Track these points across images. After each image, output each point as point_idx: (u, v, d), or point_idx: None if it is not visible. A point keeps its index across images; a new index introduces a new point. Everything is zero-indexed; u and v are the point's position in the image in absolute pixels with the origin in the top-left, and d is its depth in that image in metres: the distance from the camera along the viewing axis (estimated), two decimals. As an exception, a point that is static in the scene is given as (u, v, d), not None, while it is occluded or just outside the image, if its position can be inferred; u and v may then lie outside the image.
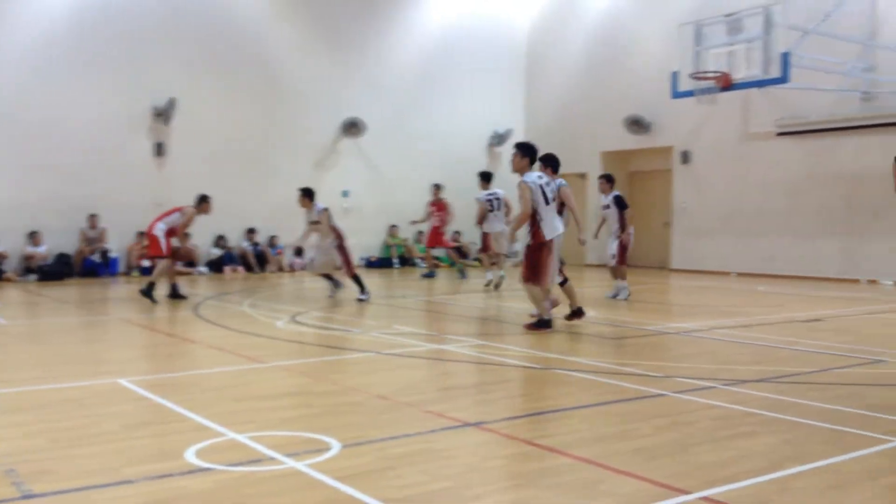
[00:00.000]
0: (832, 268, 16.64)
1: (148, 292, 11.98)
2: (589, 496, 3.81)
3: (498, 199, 14.76)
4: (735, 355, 7.89)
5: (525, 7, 23.38)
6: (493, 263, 14.88)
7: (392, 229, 20.77)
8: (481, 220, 14.69)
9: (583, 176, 21.79)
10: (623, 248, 12.79)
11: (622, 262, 12.82)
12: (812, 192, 17.05)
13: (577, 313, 9.77)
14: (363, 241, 20.59)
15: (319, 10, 20.17)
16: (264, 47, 19.41)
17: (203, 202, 12.76)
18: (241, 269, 18.59)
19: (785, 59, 13.17)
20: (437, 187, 17.55)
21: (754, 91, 16.08)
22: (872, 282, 15.91)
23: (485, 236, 14.97)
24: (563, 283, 9.92)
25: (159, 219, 12.56)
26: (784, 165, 17.52)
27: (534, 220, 8.91)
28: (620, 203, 12.91)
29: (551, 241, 8.94)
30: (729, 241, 18.48)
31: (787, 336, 8.96)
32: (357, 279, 12.84)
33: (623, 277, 12.91)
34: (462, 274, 16.95)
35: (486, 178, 15.12)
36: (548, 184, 9.13)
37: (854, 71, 15.41)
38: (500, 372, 7.01)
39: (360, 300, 12.54)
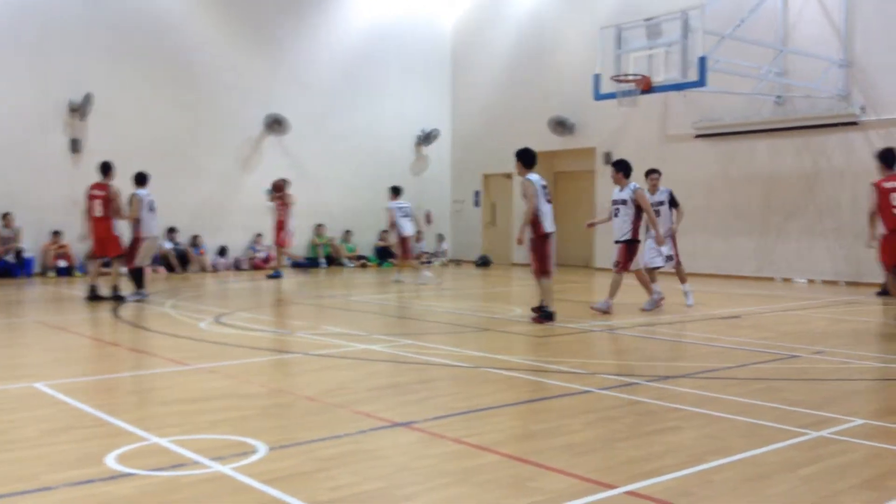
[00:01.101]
0: (748, 266, 17.19)
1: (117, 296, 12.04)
2: (518, 493, 3.85)
3: (408, 207, 16.48)
4: (658, 352, 8.09)
5: (450, 7, 23.47)
6: (423, 264, 15.54)
7: (318, 228, 20.59)
8: (392, 225, 16.30)
9: (508, 176, 21.98)
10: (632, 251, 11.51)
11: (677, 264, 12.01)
12: (728, 193, 17.58)
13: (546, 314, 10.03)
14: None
15: (243, 6, 19.85)
16: (186, 42, 19.00)
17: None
18: (162, 269, 18.16)
19: (702, 63, 13.52)
20: (282, 181, 17.10)
21: (673, 94, 16.48)
22: (787, 280, 16.51)
23: (403, 241, 16.31)
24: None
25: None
26: (702, 166, 18.02)
27: (535, 216, 9.80)
28: (673, 199, 11.95)
29: (552, 233, 9.96)
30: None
31: (707, 332, 9.22)
32: (136, 275, 12.39)
33: (683, 280, 12.12)
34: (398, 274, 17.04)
35: (396, 191, 16.57)
36: (545, 186, 10.12)
37: (767, 75, 15.95)
38: (429, 371, 7.02)
39: (135, 300, 12.04)
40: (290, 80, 20.49)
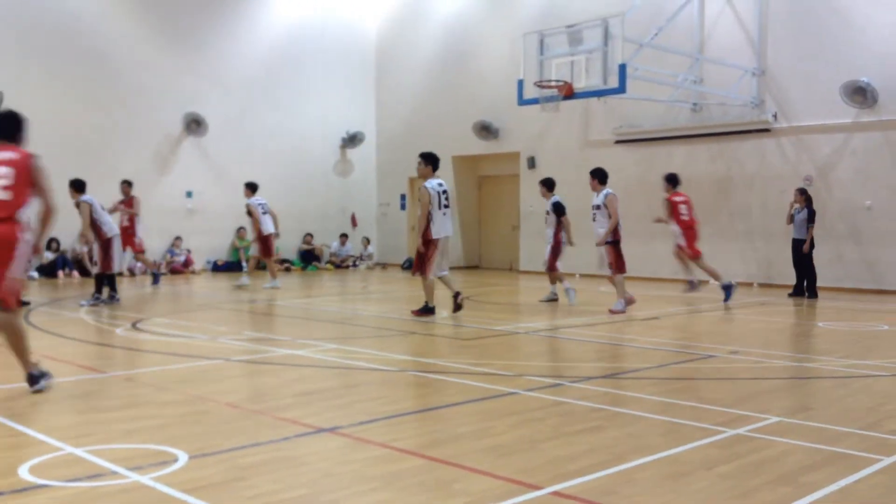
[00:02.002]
0: (665, 268, 17.60)
1: None
2: (443, 496, 3.84)
3: (266, 204, 15.73)
4: (580, 353, 8.21)
5: (374, 8, 23.40)
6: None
7: (240, 231, 20.24)
8: (257, 223, 15.46)
9: (433, 179, 22.04)
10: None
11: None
12: (646, 197, 17.96)
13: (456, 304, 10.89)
14: (210, 244, 19.99)
15: (161, 5, 19.36)
16: (100, 40, 18.42)
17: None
18: (75, 273, 17.57)
19: (622, 70, 13.81)
20: (127, 184, 15.52)
21: (594, 100, 16.78)
22: (703, 282, 16.95)
23: (266, 238, 15.60)
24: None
25: None
26: (621, 171, 18.35)
27: (427, 220, 10.56)
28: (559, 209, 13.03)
29: (437, 239, 10.69)
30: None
31: (627, 334, 9.41)
32: (102, 280, 12.39)
33: (553, 282, 13.50)
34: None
35: (252, 188, 15.77)
36: (445, 192, 10.83)
37: (684, 83, 16.39)
38: (354, 376, 6.97)
39: (92, 304, 12.08)
40: (209, 79, 20.09)
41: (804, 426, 5.18)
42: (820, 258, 15.17)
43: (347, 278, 18.66)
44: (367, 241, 22.82)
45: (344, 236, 22.15)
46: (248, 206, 15.65)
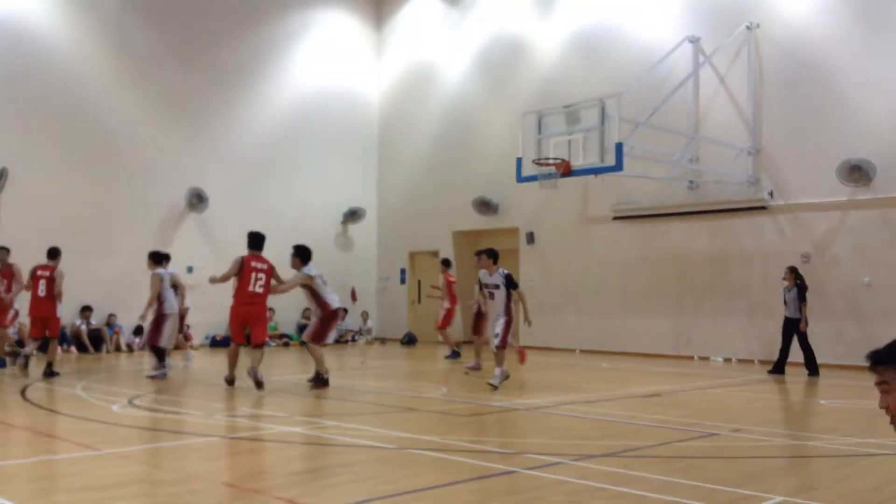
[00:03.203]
0: (666, 344, 17.54)
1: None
2: (444, 579, 3.76)
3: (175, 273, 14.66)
4: (581, 430, 8.12)
5: (375, 87, 23.88)
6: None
7: (239, 307, 20.18)
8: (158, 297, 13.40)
9: (435, 254, 22.12)
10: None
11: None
12: (645, 273, 18.04)
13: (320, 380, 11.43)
14: (209, 319, 19.91)
15: (164, 81, 19.76)
16: (104, 116, 18.73)
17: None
18: (73, 349, 17.48)
19: (619, 148, 14.01)
20: (53, 253, 13.46)
21: (592, 177, 16.97)
22: (704, 359, 16.88)
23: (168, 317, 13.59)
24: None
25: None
26: (620, 247, 18.50)
27: (319, 297, 11.63)
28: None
29: (336, 310, 11.74)
30: (573, 318, 19.17)
31: (629, 411, 9.31)
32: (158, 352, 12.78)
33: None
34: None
35: (158, 258, 13.37)
36: (321, 275, 11.89)
37: (681, 161, 16.62)
38: (352, 454, 6.88)
39: (156, 375, 12.47)
40: (211, 155, 20.35)
41: (809, 507, 5.09)
42: (820, 335, 15.12)
43: (346, 353, 18.55)
44: (366, 315, 22.77)
45: (343, 311, 22.11)
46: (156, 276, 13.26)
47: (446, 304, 16.70)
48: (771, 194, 16.17)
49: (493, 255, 11.50)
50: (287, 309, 21.01)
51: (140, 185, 19.17)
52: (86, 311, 17.98)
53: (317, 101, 22.41)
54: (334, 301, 11.77)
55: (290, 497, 5.24)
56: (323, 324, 11.62)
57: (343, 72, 23.14)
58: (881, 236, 14.90)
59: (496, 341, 11.28)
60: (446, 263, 17.15)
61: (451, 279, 17.01)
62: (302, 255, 12.07)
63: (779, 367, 13.88)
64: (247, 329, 11.32)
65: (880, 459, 6.77)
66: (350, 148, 23.22)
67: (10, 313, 13.97)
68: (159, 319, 12.76)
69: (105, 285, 18.24)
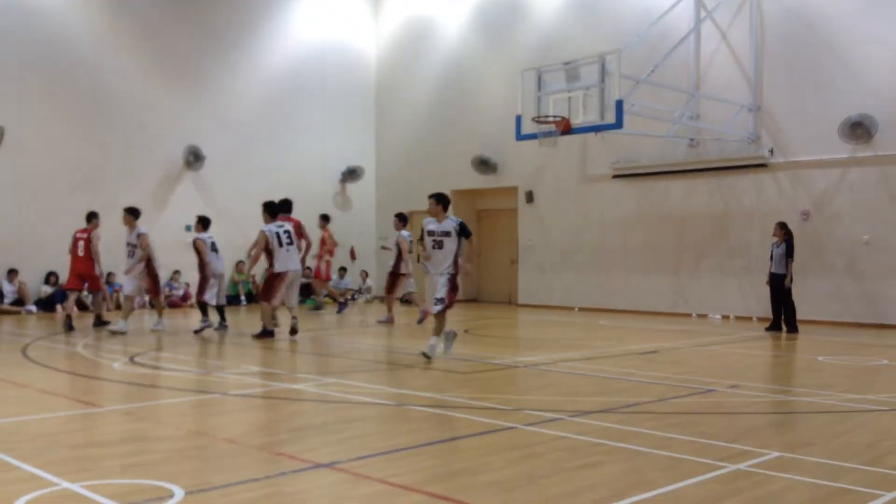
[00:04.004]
0: (664, 302, 17.60)
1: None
2: (444, 532, 3.81)
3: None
4: (580, 387, 8.18)
5: (373, 44, 23.65)
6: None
7: (239, 265, 20.21)
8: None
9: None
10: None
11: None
12: (644, 231, 18.04)
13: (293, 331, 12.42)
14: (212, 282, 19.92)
15: (161, 40, 19.55)
16: (101, 75, 18.56)
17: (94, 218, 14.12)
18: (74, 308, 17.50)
19: (619, 106, 13.90)
20: (90, 217, 14.44)
21: (592, 135, 16.88)
22: (702, 316, 16.95)
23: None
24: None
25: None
26: (619, 206, 18.47)
27: (270, 257, 12.20)
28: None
29: (283, 272, 12.26)
30: (571, 276, 19.22)
31: (626, 368, 9.38)
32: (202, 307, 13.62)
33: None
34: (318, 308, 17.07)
35: (206, 223, 14.08)
36: (286, 232, 12.37)
37: (681, 119, 16.52)
38: (353, 410, 6.93)
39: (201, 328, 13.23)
40: (209, 114, 20.21)
41: (806, 461, 5.15)
42: (819, 293, 15.20)
43: (346, 312, 18.62)
44: (365, 274, 22.81)
45: (343, 270, 22.14)
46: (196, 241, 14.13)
47: (327, 258, 17.19)
48: (771, 151, 16.10)
49: (442, 201, 10.21)
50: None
51: (137, 143, 19.07)
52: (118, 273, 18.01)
53: (314, 58, 22.20)
54: (281, 266, 12.34)
55: (292, 453, 5.29)
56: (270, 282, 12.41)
57: (340, 29, 22.89)
58: (881, 194, 14.87)
59: (439, 307, 9.84)
60: (325, 218, 17.39)
61: (328, 233, 17.26)
62: (269, 209, 12.77)
63: (775, 325, 13.94)
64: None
65: (876, 415, 6.83)
66: (348, 106, 23.05)
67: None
68: (204, 280, 13.47)
69: (104, 244, 18.15)
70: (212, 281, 13.77)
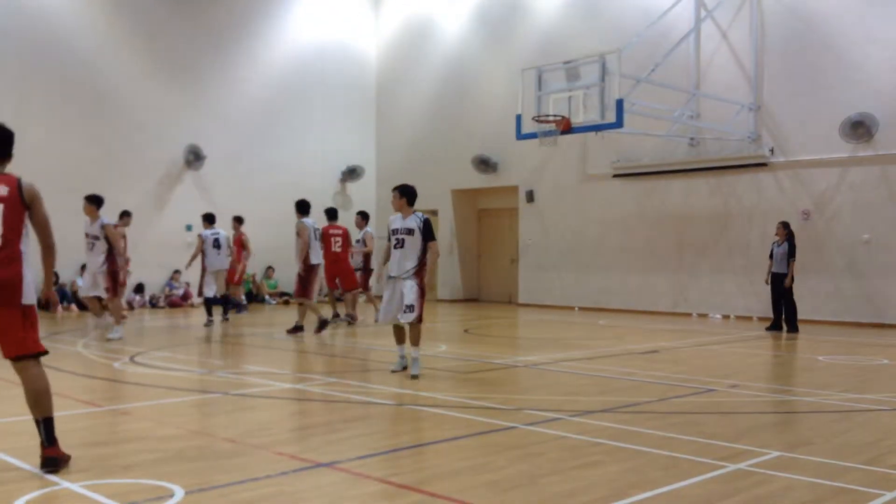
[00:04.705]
0: (664, 302, 17.60)
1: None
2: (444, 532, 3.81)
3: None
4: (580, 387, 8.18)
5: (374, 44, 23.65)
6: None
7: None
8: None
9: (434, 212, 22.11)
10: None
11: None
12: (644, 231, 18.03)
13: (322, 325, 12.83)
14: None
15: (161, 39, 19.55)
16: (101, 73, 18.57)
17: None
18: (73, 307, 17.53)
19: (619, 105, 13.90)
20: (120, 215, 15.22)
21: (592, 134, 16.88)
22: (703, 316, 16.95)
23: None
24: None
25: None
26: (619, 205, 18.46)
27: (306, 250, 12.65)
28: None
29: (317, 265, 12.84)
30: (571, 276, 19.22)
31: (626, 367, 9.38)
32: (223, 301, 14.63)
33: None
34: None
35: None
36: (317, 229, 13.03)
37: (681, 118, 16.52)
38: (353, 410, 6.93)
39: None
40: (208, 113, 20.22)
41: (805, 461, 5.15)
42: (819, 292, 15.20)
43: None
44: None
45: (270, 269, 22.06)
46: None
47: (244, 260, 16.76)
48: (772, 151, 16.10)
49: (407, 193, 8.99)
50: (290, 266, 21.05)
51: (137, 142, 19.07)
52: (85, 269, 17.98)
53: (314, 57, 22.20)
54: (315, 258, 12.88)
55: (292, 452, 5.30)
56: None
57: (340, 28, 22.89)
58: (881, 193, 14.87)
59: (411, 316, 8.51)
60: (239, 220, 16.65)
61: (243, 236, 16.64)
62: (300, 208, 13.16)
63: (776, 324, 13.94)
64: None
65: (876, 414, 6.83)
66: (348, 105, 23.05)
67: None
68: (309, 271, 12.85)
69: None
70: (208, 276, 14.33)
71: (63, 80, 18.00)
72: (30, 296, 4.86)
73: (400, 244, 8.69)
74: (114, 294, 12.11)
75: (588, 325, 15.47)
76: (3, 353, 4.89)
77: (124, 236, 14.34)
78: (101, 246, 11.96)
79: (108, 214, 18.04)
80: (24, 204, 4.98)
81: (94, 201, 12.13)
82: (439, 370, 9.22)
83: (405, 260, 8.63)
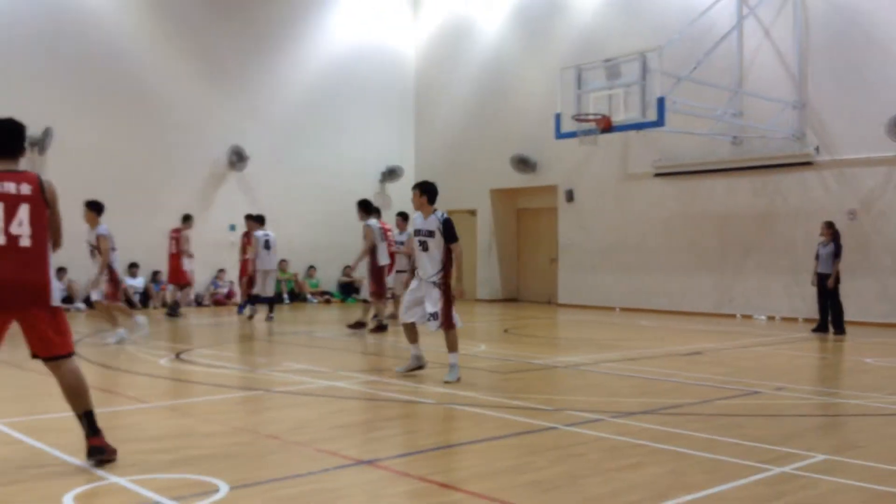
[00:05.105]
0: (707, 303, 17.39)
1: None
2: (485, 531, 3.82)
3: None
4: (621, 388, 8.13)
5: (412, 44, 23.72)
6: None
7: (281, 263, 20.41)
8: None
9: (473, 212, 22.12)
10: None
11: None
12: (687, 230, 17.84)
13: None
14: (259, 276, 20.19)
15: (204, 41, 19.83)
16: (146, 77, 18.90)
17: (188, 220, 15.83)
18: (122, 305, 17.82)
19: (661, 103, 13.77)
20: (182, 218, 16.57)
21: (633, 133, 16.75)
22: (747, 317, 16.72)
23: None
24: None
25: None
26: (660, 204, 18.29)
27: (373, 251, 13.02)
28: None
29: (385, 265, 13.21)
30: (612, 276, 19.08)
31: (669, 369, 9.29)
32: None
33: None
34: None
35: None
36: (381, 229, 13.21)
37: (724, 116, 16.30)
38: (394, 408, 6.97)
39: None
40: (251, 115, 20.47)
41: (852, 464, 5.06)
42: (866, 293, 14.90)
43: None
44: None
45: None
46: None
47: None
48: (817, 149, 15.82)
49: (427, 191, 8.45)
50: (330, 266, 21.29)
51: (182, 143, 19.38)
52: (133, 268, 18.34)
53: (354, 59, 22.34)
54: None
55: (333, 450, 5.35)
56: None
57: (380, 29, 23.00)
58: (931, 192, 14.53)
59: (434, 324, 8.18)
60: (252, 218, 16.32)
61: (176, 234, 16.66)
62: (364, 207, 13.60)
63: (822, 326, 13.70)
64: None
65: (926, 418, 6.69)
66: (387, 106, 23.16)
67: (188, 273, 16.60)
68: (379, 271, 13.18)
69: (149, 243, 18.55)
70: (259, 275, 15.09)
71: (109, 82, 18.34)
72: (56, 297, 4.92)
73: (423, 247, 8.28)
74: (113, 299, 11.48)
75: (629, 325, 15.35)
76: (33, 353, 4.94)
77: (188, 239, 16.20)
78: (100, 258, 11.31)
79: (160, 215, 18.47)
80: (47, 203, 4.95)
81: (94, 208, 11.45)
82: (479, 370, 9.23)
83: (429, 264, 8.23)
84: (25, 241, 4.79)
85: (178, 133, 19.32)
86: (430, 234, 8.25)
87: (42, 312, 4.82)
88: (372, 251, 13.11)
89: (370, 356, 10.94)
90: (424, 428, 6.32)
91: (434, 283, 8.21)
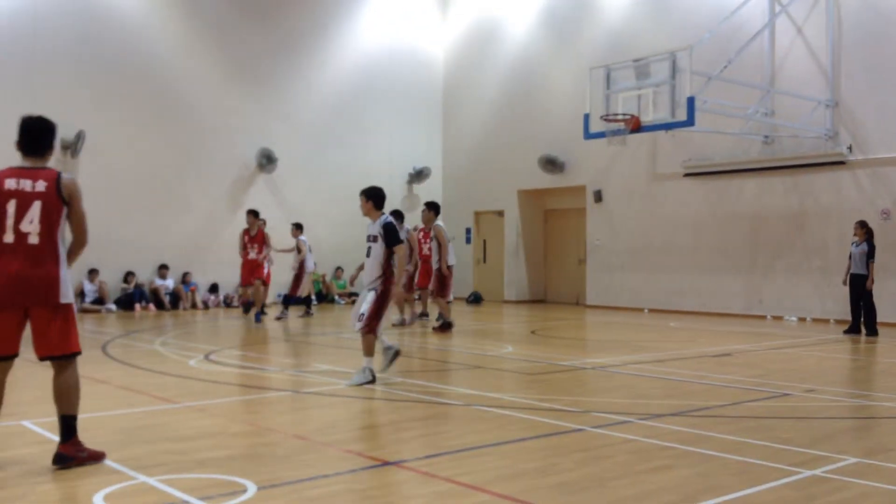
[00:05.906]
0: (737, 304, 17.22)
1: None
2: (510, 533, 3.81)
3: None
4: (649, 389, 8.07)
5: (440, 46, 23.75)
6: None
7: (309, 265, 20.53)
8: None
9: (500, 213, 22.10)
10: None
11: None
12: (717, 231, 17.67)
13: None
14: (279, 278, 20.28)
15: (233, 43, 20.01)
16: (176, 78, 19.10)
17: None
18: (151, 306, 18.07)
19: (690, 103, 13.67)
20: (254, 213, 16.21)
21: (662, 133, 16.63)
22: (777, 318, 16.53)
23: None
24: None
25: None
26: (690, 205, 18.14)
27: (440, 253, 13.67)
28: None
29: (452, 266, 13.88)
30: (641, 277, 18.96)
31: (698, 370, 9.21)
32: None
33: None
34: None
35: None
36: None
37: (755, 115, 16.13)
38: (420, 409, 6.98)
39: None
40: (280, 117, 20.61)
41: (883, 468, 4.98)
42: (900, 294, 14.67)
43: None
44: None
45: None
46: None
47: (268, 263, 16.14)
48: (850, 149, 15.60)
49: (372, 196, 8.44)
50: (356, 268, 21.27)
51: (211, 146, 19.56)
52: (163, 269, 18.54)
53: (382, 60, 22.41)
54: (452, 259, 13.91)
55: (360, 450, 5.36)
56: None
57: (408, 31, 23.06)
58: (968, 191, 14.26)
59: (359, 324, 7.99)
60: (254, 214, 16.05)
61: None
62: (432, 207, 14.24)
63: (854, 327, 13.50)
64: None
65: (961, 422, 6.57)
66: (415, 107, 23.20)
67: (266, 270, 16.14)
68: (448, 272, 13.84)
69: (180, 244, 18.74)
70: (305, 276, 16.11)
71: (140, 85, 18.56)
72: (67, 294, 4.90)
73: (368, 252, 8.13)
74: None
75: (658, 327, 15.24)
76: (37, 351, 4.92)
77: (266, 234, 15.83)
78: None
79: (189, 217, 18.65)
80: (63, 200, 4.91)
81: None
82: (506, 371, 9.21)
83: (371, 269, 8.07)
84: (34, 239, 4.81)
85: (207, 135, 19.50)
86: (374, 238, 8.14)
87: (48, 311, 4.83)
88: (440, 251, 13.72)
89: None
90: (451, 429, 6.32)
91: (372, 288, 8.04)
